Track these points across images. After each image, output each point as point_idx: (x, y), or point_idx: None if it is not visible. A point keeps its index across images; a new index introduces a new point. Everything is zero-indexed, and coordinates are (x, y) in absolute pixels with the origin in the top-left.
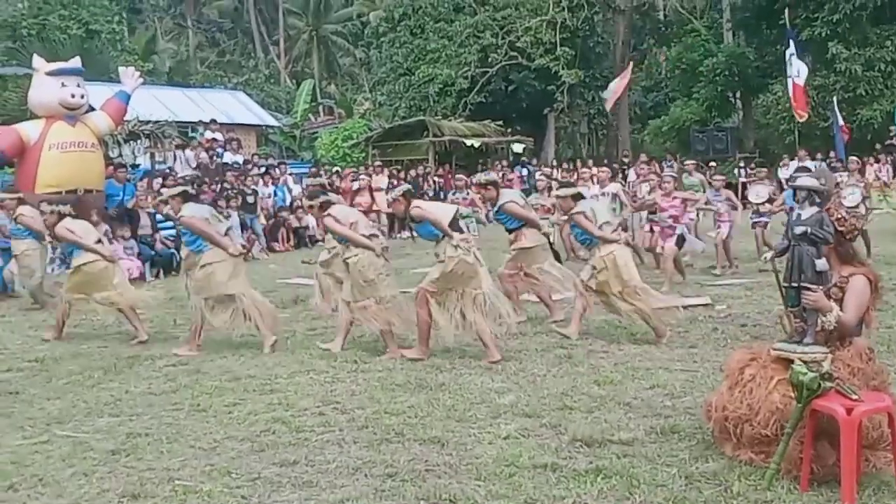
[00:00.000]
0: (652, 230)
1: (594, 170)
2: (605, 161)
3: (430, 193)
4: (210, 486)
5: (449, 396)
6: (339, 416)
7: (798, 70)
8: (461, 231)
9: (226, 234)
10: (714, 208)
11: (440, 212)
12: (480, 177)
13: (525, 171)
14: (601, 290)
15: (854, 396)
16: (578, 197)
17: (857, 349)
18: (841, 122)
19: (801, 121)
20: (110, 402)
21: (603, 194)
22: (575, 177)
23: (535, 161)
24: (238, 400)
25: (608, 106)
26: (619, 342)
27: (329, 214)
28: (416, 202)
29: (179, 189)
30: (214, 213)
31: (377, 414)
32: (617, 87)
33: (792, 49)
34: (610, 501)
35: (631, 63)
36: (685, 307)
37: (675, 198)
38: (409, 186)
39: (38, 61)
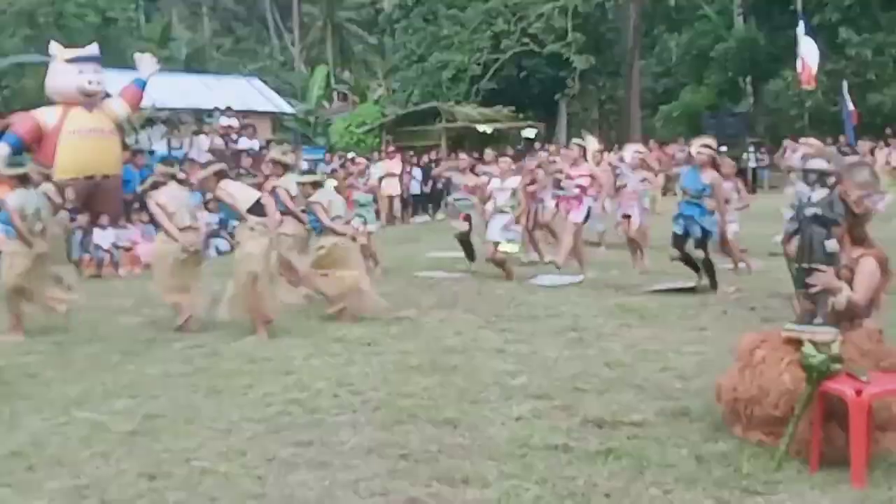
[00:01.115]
0: (558, 206)
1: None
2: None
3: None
4: (226, 466)
5: (462, 379)
6: (354, 398)
7: (808, 46)
8: (262, 216)
9: (41, 231)
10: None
11: (241, 196)
12: (274, 153)
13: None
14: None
15: (864, 378)
16: (318, 185)
17: (867, 331)
18: (851, 106)
19: (809, 89)
20: (128, 384)
21: (501, 190)
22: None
23: (546, 147)
24: (254, 382)
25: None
26: (629, 325)
27: (151, 197)
28: (222, 183)
29: (21, 170)
30: (42, 206)
31: (391, 396)
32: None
33: (802, 28)
34: (621, 482)
35: None
36: (665, 290)
37: (583, 168)
38: (223, 166)
39: (55, 48)
